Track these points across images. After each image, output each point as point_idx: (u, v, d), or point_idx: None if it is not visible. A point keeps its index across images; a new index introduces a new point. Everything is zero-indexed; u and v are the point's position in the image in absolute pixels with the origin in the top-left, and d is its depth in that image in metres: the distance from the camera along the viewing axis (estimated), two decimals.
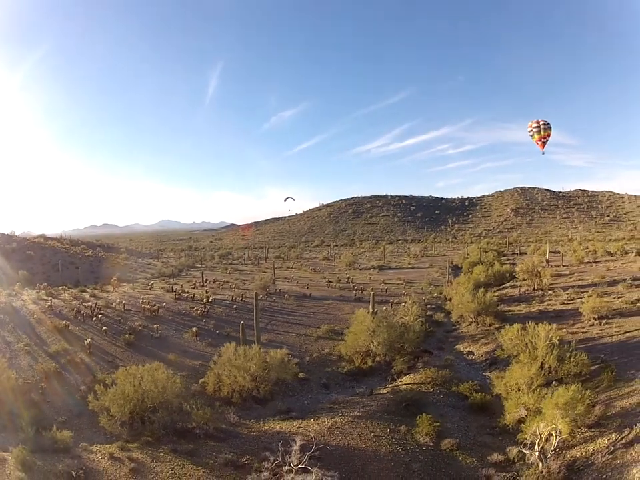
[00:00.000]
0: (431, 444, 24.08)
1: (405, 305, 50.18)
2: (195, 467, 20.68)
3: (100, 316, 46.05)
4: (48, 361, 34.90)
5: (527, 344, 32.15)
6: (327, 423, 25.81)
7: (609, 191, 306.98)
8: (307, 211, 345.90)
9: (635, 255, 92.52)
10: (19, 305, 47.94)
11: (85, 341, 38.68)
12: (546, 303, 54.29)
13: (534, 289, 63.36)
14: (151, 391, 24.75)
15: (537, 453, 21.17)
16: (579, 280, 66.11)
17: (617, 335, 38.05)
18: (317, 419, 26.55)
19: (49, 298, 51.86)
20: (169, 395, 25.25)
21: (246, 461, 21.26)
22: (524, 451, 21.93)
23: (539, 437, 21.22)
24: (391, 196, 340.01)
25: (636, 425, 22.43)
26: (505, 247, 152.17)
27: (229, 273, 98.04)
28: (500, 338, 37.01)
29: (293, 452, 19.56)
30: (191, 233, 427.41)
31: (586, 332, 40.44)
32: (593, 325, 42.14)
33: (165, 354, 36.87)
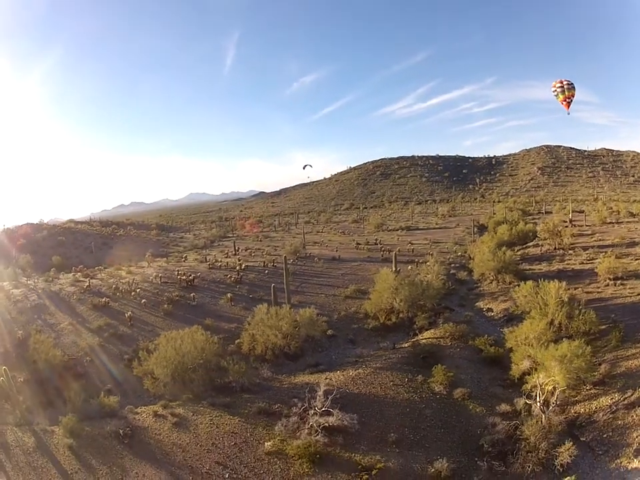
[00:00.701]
0: (444, 393, 26.11)
1: (427, 264, 51.74)
2: (231, 416, 23.14)
3: (138, 290, 48.52)
4: (91, 336, 37.40)
5: (538, 301, 33.61)
6: (351, 374, 28.00)
7: (634, 151, 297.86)
8: (335, 174, 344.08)
9: None
10: (57, 289, 50.39)
11: (126, 314, 41.23)
12: (565, 262, 55.10)
13: (555, 248, 64.12)
14: (190, 352, 27.04)
15: (538, 404, 22.70)
16: (600, 240, 66.84)
17: (630, 296, 38.79)
18: (342, 371, 28.73)
19: (86, 279, 54.43)
20: (208, 354, 27.66)
21: (277, 408, 23.65)
22: (527, 401, 23.52)
23: (539, 387, 22.68)
24: (418, 156, 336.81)
25: (639, 388, 23.82)
26: (532, 205, 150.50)
27: (260, 240, 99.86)
28: (514, 294, 38.70)
29: (318, 397, 22.03)
30: (221, 204, 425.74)
31: (600, 292, 41.51)
32: (608, 285, 42.97)
33: (202, 319, 38.61)
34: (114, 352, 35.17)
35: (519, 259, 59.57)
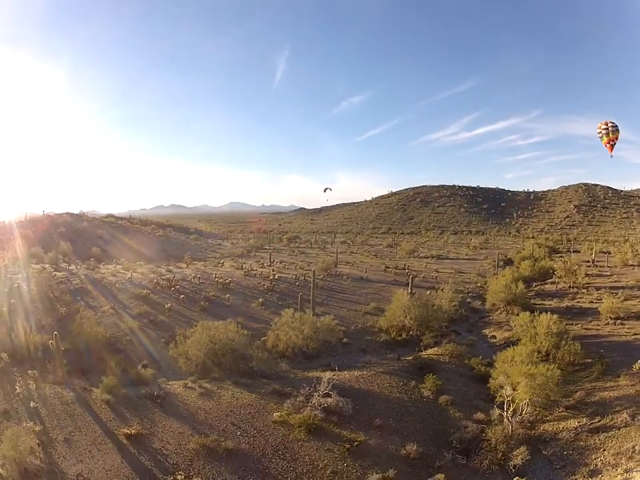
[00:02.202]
0: (431, 397, 30.11)
1: (443, 291, 55.08)
2: (249, 393, 27.57)
3: (177, 287, 53.05)
4: (131, 320, 41.68)
5: (531, 330, 37.19)
6: (355, 373, 32.32)
7: None
8: (376, 197, 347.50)
9: None
10: (99, 277, 55.21)
11: (165, 306, 45.77)
12: (576, 300, 57.15)
13: (570, 287, 65.82)
14: (222, 340, 31.62)
15: (504, 413, 25.99)
16: (615, 281, 68.58)
17: (626, 335, 41.22)
18: (349, 371, 33.00)
19: (128, 271, 59.55)
20: (237, 344, 32.17)
21: (288, 390, 27.89)
22: (498, 411, 26.87)
23: (505, 399, 26.01)
24: (459, 186, 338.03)
25: (607, 416, 26.34)
26: (562, 243, 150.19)
27: (296, 255, 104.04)
28: (512, 323, 42.76)
29: (322, 383, 26.56)
30: (260, 216, 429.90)
31: (599, 329, 44.05)
32: (608, 323, 45.33)
33: (234, 318, 40.86)
34: (152, 335, 39.54)
35: (534, 293, 63.01)
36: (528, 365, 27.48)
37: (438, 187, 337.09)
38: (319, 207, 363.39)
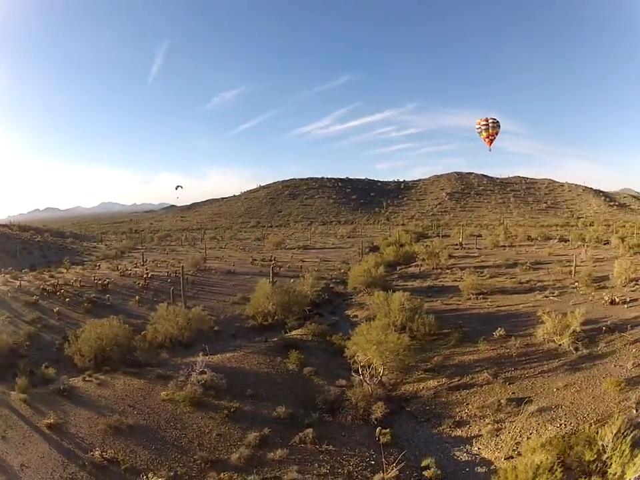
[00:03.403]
0: (296, 370, 35.36)
1: (304, 278, 60.53)
2: (138, 380, 31.94)
3: (62, 291, 56.13)
4: (27, 326, 44.64)
5: (385, 307, 42.15)
6: (227, 355, 37.29)
7: (548, 179, 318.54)
8: (245, 192, 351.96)
9: (558, 241, 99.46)
10: None
11: (54, 310, 49.21)
12: (438, 280, 63.14)
13: (433, 268, 71.80)
14: (108, 336, 35.89)
15: (361, 377, 31.13)
16: (483, 262, 74.94)
17: (488, 308, 45.80)
18: (221, 354, 37.92)
19: (17, 280, 61.77)
20: (121, 338, 36.55)
21: (171, 374, 32.35)
22: (355, 376, 32.10)
23: (359, 364, 31.11)
24: (327, 178, 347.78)
25: (467, 375, 30.10)
26: (432, 229, 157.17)
27: (167, 253, 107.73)
28: (368, 302, 48.03)
29: (197, 363, 31.87)
30: (132, 215, 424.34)
31: (459, 304, 48.92)
32: (469, 299, 49.78)
33: (115, 316, 42.97)
34: (47, 339, 42.94)
35: (397, 276, 69.31)
36: (379, 335, 30.96)
37: (307, 179, 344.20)
38: (188, 203, 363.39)
